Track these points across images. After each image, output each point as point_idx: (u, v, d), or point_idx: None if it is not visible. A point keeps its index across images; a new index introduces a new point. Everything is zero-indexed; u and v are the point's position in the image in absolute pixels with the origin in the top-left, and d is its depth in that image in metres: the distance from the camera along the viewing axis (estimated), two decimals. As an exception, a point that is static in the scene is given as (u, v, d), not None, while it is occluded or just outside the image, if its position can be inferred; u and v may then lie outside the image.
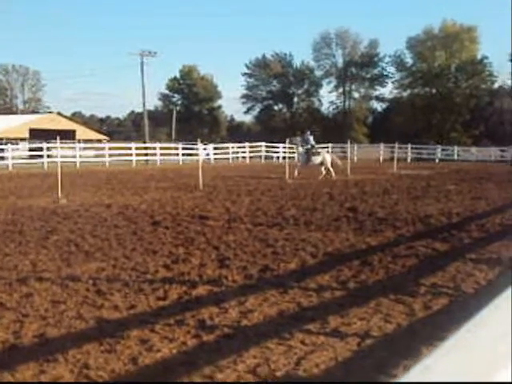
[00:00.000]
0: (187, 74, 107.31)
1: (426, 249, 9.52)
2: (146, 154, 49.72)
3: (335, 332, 5.49)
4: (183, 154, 49.95)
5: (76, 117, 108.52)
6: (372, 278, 7.61)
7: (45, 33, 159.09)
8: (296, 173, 26.55)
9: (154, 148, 50.25)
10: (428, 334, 5.34)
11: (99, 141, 65.76)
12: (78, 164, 41.51)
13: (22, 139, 57.64)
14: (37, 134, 58.68)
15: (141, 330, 5.52)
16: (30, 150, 48.54)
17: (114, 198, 17.86)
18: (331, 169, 27.19)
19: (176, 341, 5.26)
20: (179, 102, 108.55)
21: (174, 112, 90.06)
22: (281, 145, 54.13)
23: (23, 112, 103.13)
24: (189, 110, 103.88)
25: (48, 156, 41.25)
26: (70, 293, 6.89)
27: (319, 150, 29.01)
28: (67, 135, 56.98)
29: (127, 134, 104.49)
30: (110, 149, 46.81)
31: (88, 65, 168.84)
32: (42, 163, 40.31)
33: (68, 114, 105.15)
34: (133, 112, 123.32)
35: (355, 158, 50.80)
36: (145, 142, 55.92)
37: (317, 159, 27.56)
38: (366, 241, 10.27)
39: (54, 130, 53.04)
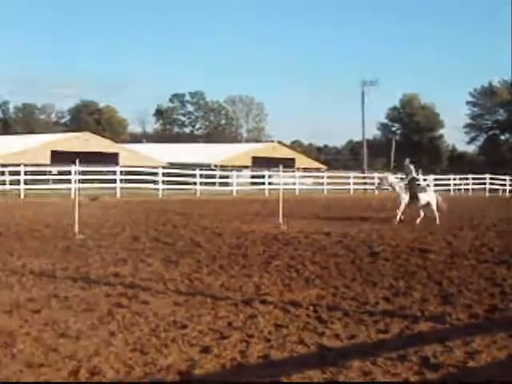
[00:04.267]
0: (408, 102, 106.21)
1: None
2: (365, 183, 49.80)
3: None
4: (401, 184, 49.23)
5: (295, 145, 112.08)
6: None
7: (269, 65, 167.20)
8: (398, 218, 19.45)
9: (372, 177, 50.16)
10: None
11: (317, 169, 67.16)
12: (297, 191, 42.73)
13: (246, 166, 60.73)
14: (259, 162, 61.52)
15: (362, 361, 5.46)
16: (252, 177, 50.99)
17: (332, 226, 18.06)
18: (436, 213, 19.97)
19: (398, 376, 5.13)
20: (398, 132, 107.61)
21: (393, 141, 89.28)
22: (507, 177, 51.31)
23: (247, 140, 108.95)
24: (408, 139, 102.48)
25: (269, 183, 43.04)
26: (291, 318, 7.05)
27: (424, 186, 22.69)
28: (287, 163, 58.98)
29: (344, 163, 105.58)
30: (328, 177, 47.60)
31: (310, 94, 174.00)
32: (264, 190, 42.13)
33: (288, 142, 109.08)
34: (351, 141, 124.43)
35: None
36: (363, 171, 56.08)
37: (423, 198, 20.09)
38: None
39: (275, 158, 55.27)
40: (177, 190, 38.29)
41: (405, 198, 19.80)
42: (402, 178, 20.98)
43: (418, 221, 19.54)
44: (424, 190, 20.97)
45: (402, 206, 19.67)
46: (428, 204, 20.12)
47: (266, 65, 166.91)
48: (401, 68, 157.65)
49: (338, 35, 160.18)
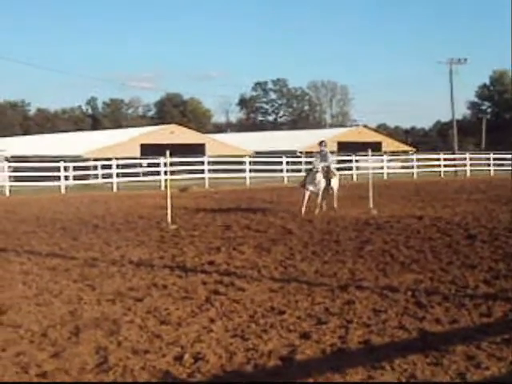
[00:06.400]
0: (498, 79, 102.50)
1: None
2: (455, 165, 48.46)
3: None
4: (494, 165, 47.63)
5: (381, 129, 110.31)
6: None
7: (352, 47, 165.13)
8: (318, 210, 17.22)
9: (464, 158, 48.70)
10: None
11: (405, 152, 65.90)
12: (385, 175, 42.11)
13: (331, 152, 60.17)
14: (344, 147, 60.94)
15: (465, 345, 5.34)
16: (339, 161, 50.56)
17: (424, 209, 17.71)
18: (321, 199, 17.76)
19: (504, 360, 4.99)
20: (489, 110, 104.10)
21: (484, 120, 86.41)
22: None
23: (331, 126, 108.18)
24: (500, 117, 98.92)
25: (356, 168, 42.62)
26: (389, 303, 6.97)
27: (333, 169, 18.82)
28: (374, 147, 58.15)
29: (432, 145, 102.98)
30: (417, 160, 46.60)
31: (394, 76, 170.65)
32: (351, 175, 41.74)
33: (373, 126, 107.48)
34: (438, 122, 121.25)
35: None
36: (453, 153, 54.55)
37: (335, 183, 18.11)
38: None
39: (361, 143, 54.65)
40: (264, 178, 38.52)
41: (321, 189, 17.61)
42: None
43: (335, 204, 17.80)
44: (334, 174, 18.33)
45: (320, 199, 17.60)
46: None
47: (348, 47, 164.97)
48: (490, 44, 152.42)
49: (424, 13, 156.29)
